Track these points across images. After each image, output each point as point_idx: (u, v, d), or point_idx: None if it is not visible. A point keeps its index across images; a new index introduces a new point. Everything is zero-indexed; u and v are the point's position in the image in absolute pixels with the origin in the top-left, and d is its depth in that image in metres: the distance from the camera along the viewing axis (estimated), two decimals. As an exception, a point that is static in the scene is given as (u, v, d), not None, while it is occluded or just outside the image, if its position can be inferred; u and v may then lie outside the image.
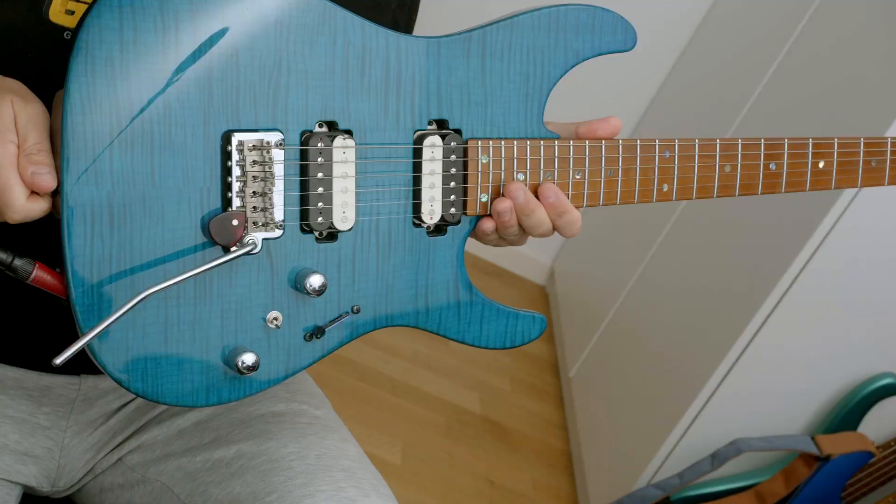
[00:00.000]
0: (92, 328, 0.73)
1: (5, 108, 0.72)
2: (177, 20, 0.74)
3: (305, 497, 0.85)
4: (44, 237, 0.79)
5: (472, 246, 1.83)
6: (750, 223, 1.99)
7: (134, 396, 1.00)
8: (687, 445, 1.91)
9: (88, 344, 0.75)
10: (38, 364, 0.94)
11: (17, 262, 0.74)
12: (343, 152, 0.82)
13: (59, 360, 0.71)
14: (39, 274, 0.75)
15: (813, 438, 1.80)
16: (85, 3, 0.81)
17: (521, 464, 2.30)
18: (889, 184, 1.00)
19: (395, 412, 2.25)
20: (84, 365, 0.96)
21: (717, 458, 1.82)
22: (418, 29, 1.02)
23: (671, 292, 2.22)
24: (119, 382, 0.77)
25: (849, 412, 1.85)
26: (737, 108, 2.24)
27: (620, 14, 0.89)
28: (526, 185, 0.88)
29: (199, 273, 0.76)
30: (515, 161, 0.88)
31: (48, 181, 0.71)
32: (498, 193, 0.88)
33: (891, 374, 1.84)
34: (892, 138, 1.00)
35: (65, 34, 0.81)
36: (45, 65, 0.75)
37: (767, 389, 1.86)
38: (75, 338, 0.89)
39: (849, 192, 1.68)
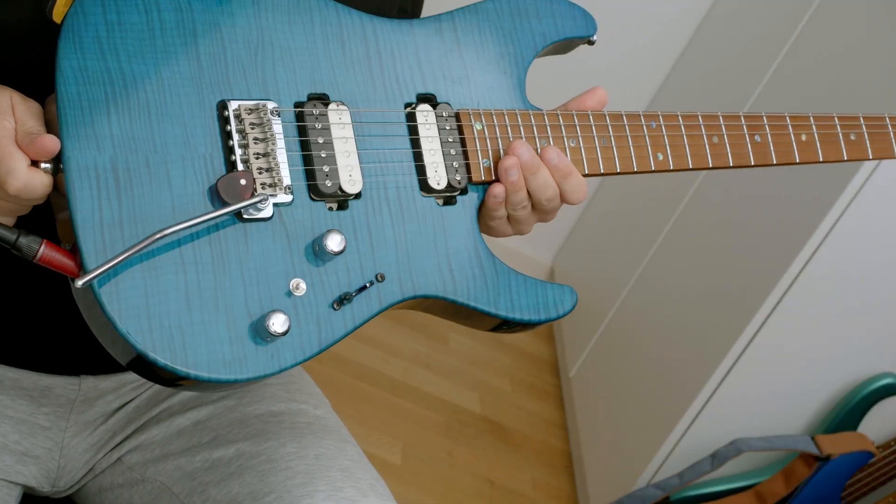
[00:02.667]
0: (108, 260, 0.70)
1: (3, 96, 0.73)
2: (157, 1, 0.77)
3: (304, 497, 0.85)
4: (48, 223, 0.78)
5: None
6: (750, 223, 1.99)
7: (133, 396, 1.00)
8: (687, 445, 1.91)
9: (107, 312, 0.71)
10: (37, 365, 0.94)
11: (23, 240, 0.72)
12: (339, 116, 0.83)
13: (80, 283, 0.69)
14: (46, 251, 0.72)
15: (813, 438, 1.80)
16: None
17: (521, 464, 2.30)
18: (874, 157, 1.02)
19: (395, 412, 2.25)
20: (84, 366, 0.96)
21: (717, 458, 1.82)
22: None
23: (671, 292, 2.22)
24: (144, 355, 0.71)
25: (849, 412, 1.85)
26: (736, 109, 2.24)
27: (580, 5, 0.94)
28: None
29: (215, 216, 0.75)
30: (509, 128, 0.89)
31: (49, 142, 0.71)
32: (499, 158, 0.88)
33: (891, 374, 1.84)
34: (863, 114, 1.03)
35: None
36: (49, 65, 0.75)
37: (767, 389, 1.86)
38: (74, 338, 0.89)
39: (848, 192, 1.68)
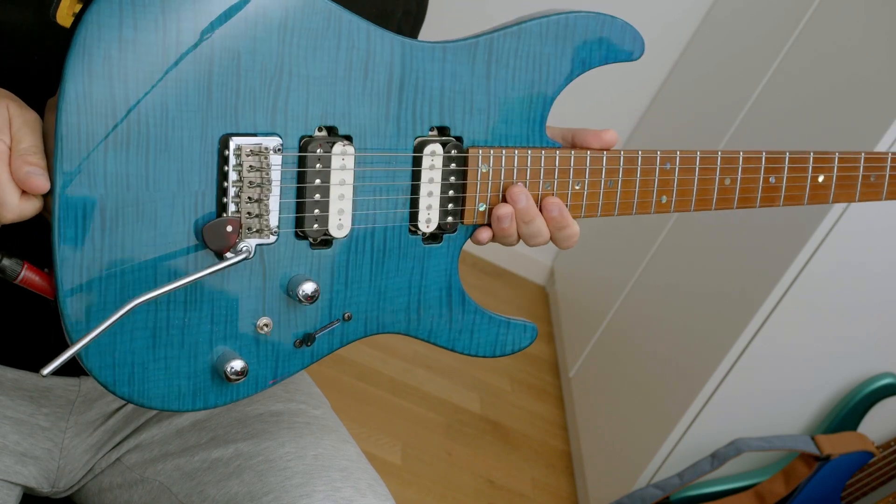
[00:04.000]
0: (81, 338, 0.72)
1: (0, 109, 0.72)
2: (178, 20, 0.72)
3: (302, 497, 0.85)
4: (33, 238, 0.78)
5: (472, 246, 1.82)
6: (750, 223, 1.99)
7: (133, 397, 1.00)
8: (687, 445, 1.91)
9: (79, 355, 0.74)
10: (37, 365, 0.94)
11: (6, 262, 0.73)
12: (342, 159, 0.81)
13: (46, 371, 0.70)
14: (28, 275, 0.74)
15: (813, 438, 1.80)
16: None
17: (521, 464, 2.30)
18: (887, 198, 1.00)
19: (394, 412, 2.25)
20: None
21: (717, 458, 1.82)
22: (422, 37, 1.02)
23: (671, 292, 2.21)
24: (105, 386, 0.77)
25: (849, 412, 1.85)
26: (736, 110, 2.24)
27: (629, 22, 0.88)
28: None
29: (190, 281, 0.76)
30: (515, 170, 0.87)
31: (41, 182, 0.70)
32: (497, 203, 0.87)
33: (891, 374, 1.84)
34: (892, 154, 1.00)
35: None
36: (52, 67, 0.74)
37: (767, 389, 1.86)
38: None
39: (849, 192, 1.68)
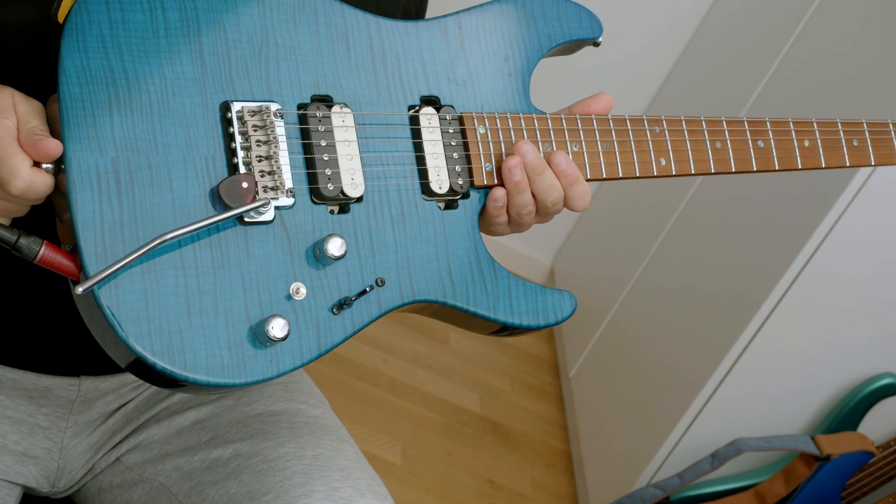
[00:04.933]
0: (109, 266, 0.70)
1: (5, 95, 0.73)
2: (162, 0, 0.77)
3: (301, 497, 0.85)
4: (48, 226, 0.78)
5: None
6: (750, 223, 1.99)
7: (133, 397, 1.00)
8: (687, 445, 1.91)
9: (107, 315, 0.71)
10: (37, 365, 0.94)
11: (23, 241, 0.72)
12: (342, 119, 0.82)
13: (81, 290, 0.69)
14: (47, 253, 0.72)
15: (813, 438, 1.80)
16: None
17: (521, 464, 2.30)
18: (877, 163, 1.02)
19: (394, 412, 2.25)
20: (83, 366, 0.96)
21: (717, 458, 1.82)
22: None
23: (671, 292, 2.22)
24: (142, 359, 0.72)
25: (849, 412, 1.85)
26: (736, 110, 2.24)
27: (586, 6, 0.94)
28: None
29: (213, 222, 0.75)
30: (512, 131, 0.89)
31: (51, 145, 0.71)
32: (502, 161, 0.88)
33: (891, 374, 1.84)
34: (867, 120, 1.02)
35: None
36: (52, 65, 0.75)
37: (767, 389, 1.86)
38: (74, 339, 0.89)
39: (849, 192, 1.68)
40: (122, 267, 0.71)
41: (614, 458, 2.12)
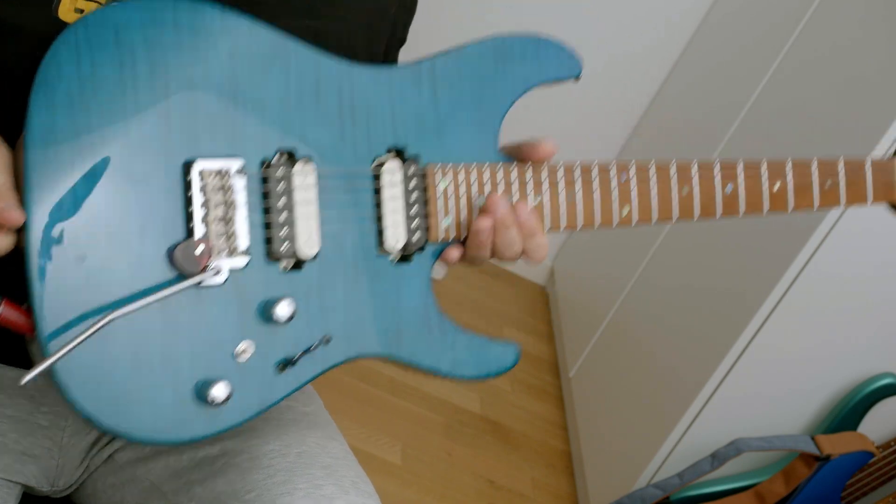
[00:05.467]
0: (60, 348, 0.72)
1: None
2: (133, 54, 0.76)
3: (284, 495, 0.85)
4: (6, 272, 0.78)
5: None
6: (750, 223, 1.98)
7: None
8: (687, 445, 1.91)
9: (57, 379, 0.74)
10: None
11: None
12: (304, 177, 0.82)
13: (24, 381, 0.70)
14: (6, 311, 0.73)
15: (813, 438, 1.80)
16: (96, 1, 0.81)
17: (521, 464, 2.30)
18: (847, 204, 0.99)
19: (394, 412, 2.25)
20: (83, 365, 0.96)
21: (717, 458, 1.82)
22: (414, 31, 1.02)
23: (671, 292, 2.22)
24: (89, 419, 0.75)
25: (849, 412, 1.85)
26: (736, 110, 2.24)
27: (565, 42, 0.91)
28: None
29: (163, 297, 0.76)
30: (475, 184, 0.88)
31: (16, 215, 0.71)
32: (459, 218, 0.88)
33: (891, 374, 1.84)
34: (844, 157, 1.00)
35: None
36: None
37: (767, 389, 1.86)
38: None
39: (849, 192, 1.68)
40: (70, 350, 0.72)
41: (614, 458, 2.12)
